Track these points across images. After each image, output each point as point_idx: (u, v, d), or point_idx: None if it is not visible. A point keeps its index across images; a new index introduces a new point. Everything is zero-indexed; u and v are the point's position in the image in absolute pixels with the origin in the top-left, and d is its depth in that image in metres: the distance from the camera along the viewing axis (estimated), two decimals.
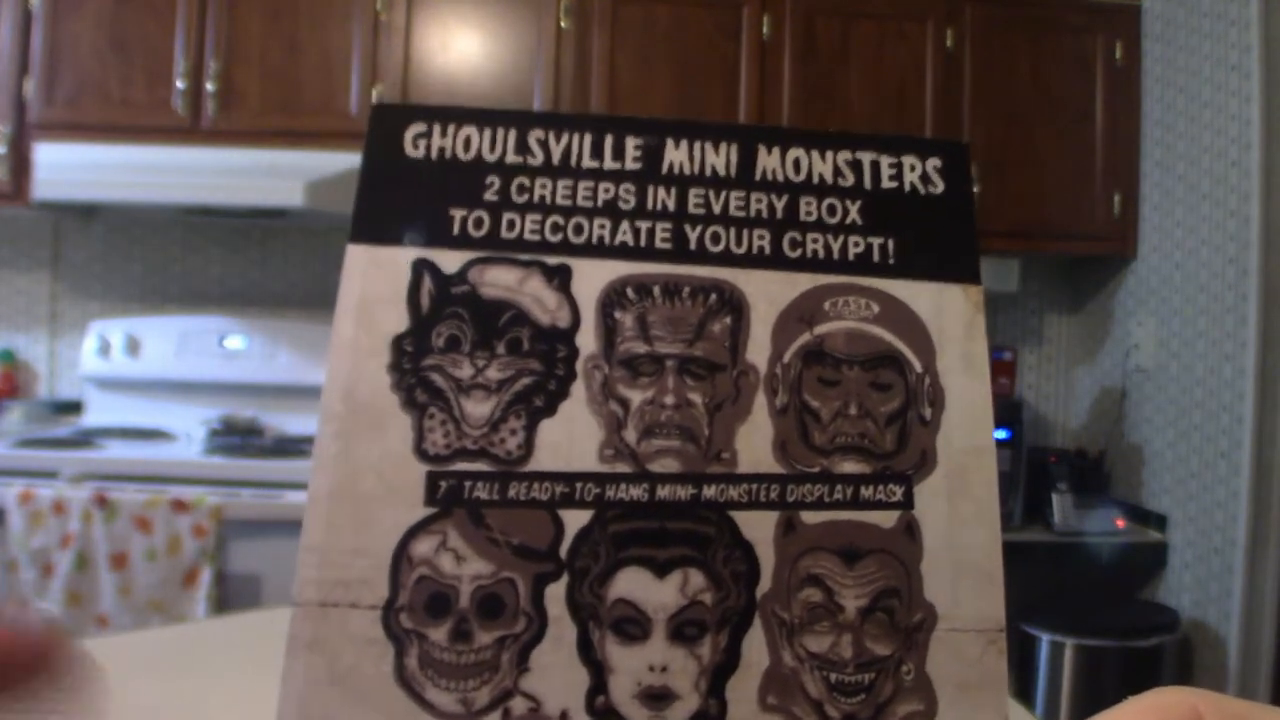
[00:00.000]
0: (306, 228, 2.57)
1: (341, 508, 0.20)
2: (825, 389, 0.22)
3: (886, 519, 0.21)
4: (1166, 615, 2.09)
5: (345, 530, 0.20)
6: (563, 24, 2.30)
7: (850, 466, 0.21)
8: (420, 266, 0.21)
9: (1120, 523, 2.25)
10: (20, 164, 2.22)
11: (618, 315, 0.22)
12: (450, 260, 0.22)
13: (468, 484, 0.20)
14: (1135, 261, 2.40)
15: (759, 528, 0.20)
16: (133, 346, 2.42)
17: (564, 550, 0.20)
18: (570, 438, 0.21)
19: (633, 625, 0.20)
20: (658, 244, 0.22)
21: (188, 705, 0.72)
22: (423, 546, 0.20)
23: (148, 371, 2.41)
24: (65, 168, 2.18)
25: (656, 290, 0.22)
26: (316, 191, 2.14)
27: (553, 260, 0.22)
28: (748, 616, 0.20)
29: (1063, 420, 2.72)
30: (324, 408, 0.20)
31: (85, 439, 2.20)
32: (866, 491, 0.21)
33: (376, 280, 0.21)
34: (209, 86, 2.26)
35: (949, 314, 0.22)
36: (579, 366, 0.21)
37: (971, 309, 0.22)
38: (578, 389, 0.21)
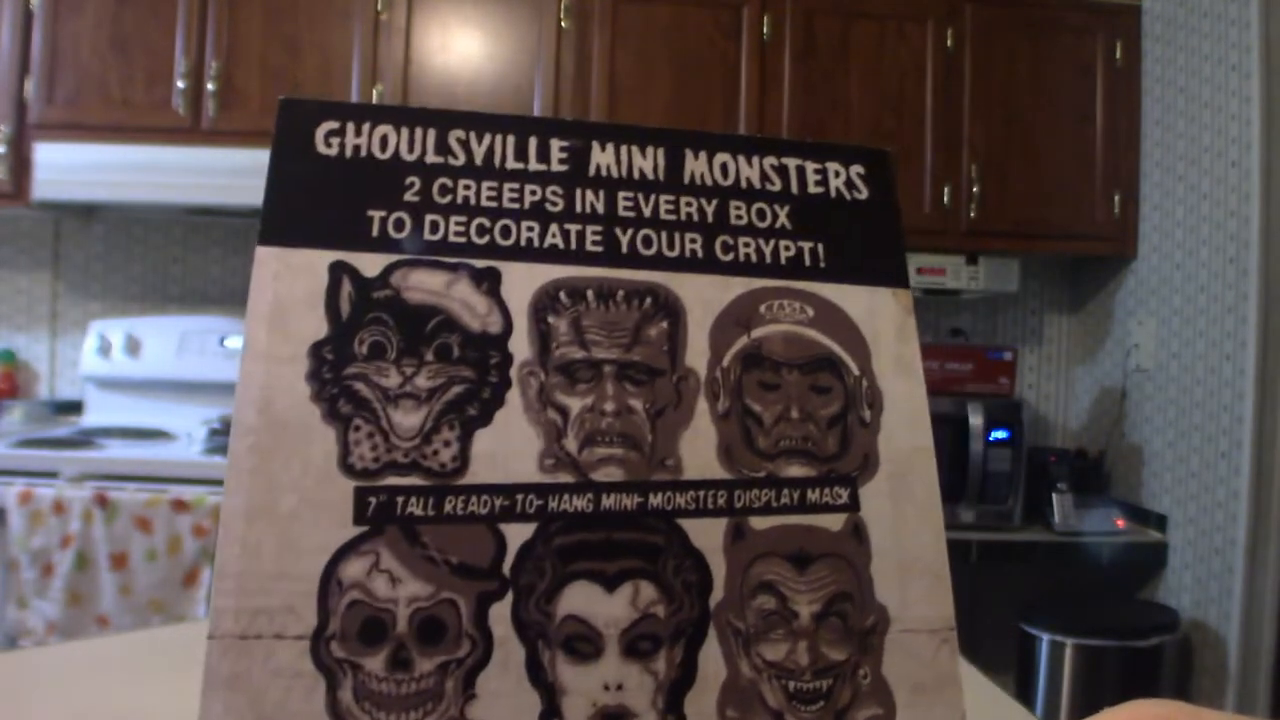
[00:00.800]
0: None
1: (260, 529, 0.18)
2: (766, 393, 0.21)
3: (834, 522, 0.20)
4: (1166, 615, 2.09)
5: (265, 554, 0.18)
6: (563, 24, 2.30)
7: (796, 470, 0.21)
8: (338, 269, 0.20)
9: (1120, 523, 2.25)
10: (20, 164, 2.23)
11: (551, 320, 0.21)
12: (370, 263, 0.20)
13: (400, 499, 0.19)
14: (1135, 261, 2.40)
15: (708, 535, 0.20)
16: (133, 346, 2.42)
17: (507, 567, 0.19)
18: (508, 448, 0.20)
19: (584, 643, 0.19)
20: (588, 247, 0.21)
21: (188, 705, 0.72)
22: (353, 569, 0.18)
23: (148, 371, 2.41)
24: (65, 168, 2.18)
25: (590, 294, 0.21)
26: None
27: (480, 263, 0.21)
28: (702, 628, 0.19)
29: (1063, 420, 2.72)
30: (236, 421, 0.19)
31: (85, 439, 2.20)
32: (813, 495, 0.21)
33: (290, 284, 0.20)
34: (209, 86, 2.26)
35: (881, 317, 0.22)
36: (513, 374, 0.20)
37: (902, 312, 0.22)
38: (513, 397, 0.20)
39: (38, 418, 2.44)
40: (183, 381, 2.41)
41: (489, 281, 0.21)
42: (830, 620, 0.20)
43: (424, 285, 0.20)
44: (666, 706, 0.19)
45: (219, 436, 2.24)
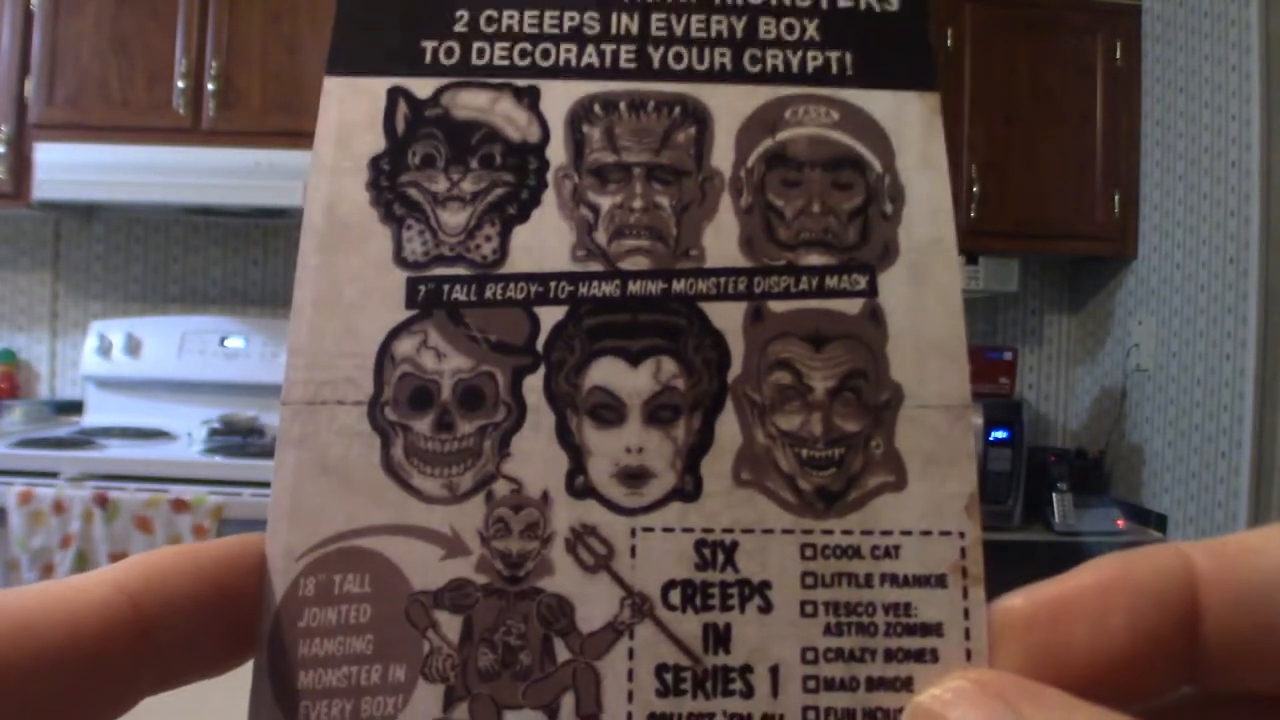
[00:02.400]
0: None
1: (325, 315, 0.21)
2: (788, 189, 0.22)
3: (852, 306, 0.21)
4: None
5: (330, 335, 0.21)
6: None
7: (815, 259, 0.22)
8: (395, 93, 0.22)
9: (1120, 523, 2.25)
10: (20, 164, 2.23)
11: (585, 129, 0.22)
12: (423, 87, 0.22)
13: (446, 287, 0.21)
14: (1135, 261, 2.40)
15: (728, 318, 0.21)
16: (133, 346, 2.42)
17: (540, 344, 0.21)
18: (543, 241, 0.21)
19: (608, 411, 0.21)
20: (622, 64, 0.23)
21: (187, 705, 0.72)
22: (404, 346, 0.21)
23: (148, 371, 2.41)
24: (65, 168, 2.18)
25: (622, 105, 0.23)
26: None
27: (521, 82, 0.23)
28: (720, 400, 0.21)
29: (1063, 420, 2.72)
30: (306, 225, 0.21)
31: (86, 439, 2.20)
32: (831, 281, 0.22)
33: (353, 108, 0.22)
34: (209, 86, 2.26)
35: (906, 118, 0.23)
36: (549, 177, 0.22)
37: (928, 111, 0.23)
38: (549, 197, 0.22)
39: (38, 418, 2.44)
40: (183, 381, 2.42)
41: (529, 97, 0.22)
42: (844, 395, 0.21)
43: (471, 103, 0.22)
44: (684, 468, 0.20)
45: (219, 436, 2.24)
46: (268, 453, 2.12)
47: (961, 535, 0.20)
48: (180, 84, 2.25)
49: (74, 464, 1.98)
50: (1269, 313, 1.94)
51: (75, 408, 2.51)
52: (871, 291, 0.21)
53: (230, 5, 2.27)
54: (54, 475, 1.96)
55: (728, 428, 0.20)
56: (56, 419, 2.49)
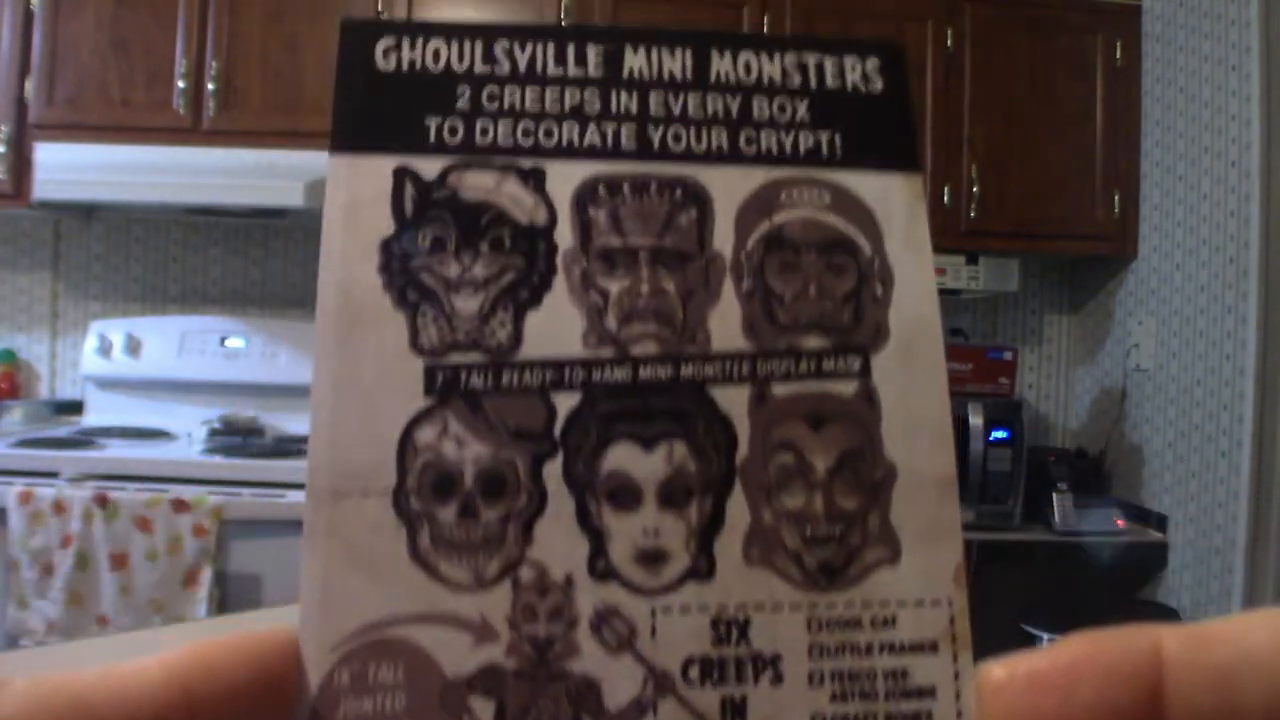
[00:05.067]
0: (306, 228, 2.57)
1: (346, 401, 0.21)
2: (786, 273, 0.23)
3: (847, 388, 0.22)
4: (1166, 615, 2.09)
5: (351, 422, 0.21)
6: (563, 24, 2.30)
7: (813, 342, 0.23)
8: (401, 174, 0.22)
9: (1120, 523, 2.25)
10: (20, 164, 2.23)
11: (591, 212, 0.23)
12: (429, 166, 0.23)
13: (463, 374, 0.21)
14: (1135, 261, 2.40)
15: (734, 401, 0.22)
16: (133, 346, 2.42)
17: (558, 430, 0.21)
18: (556, 327, 0.22)
19: (625, 494, 0.21)
20: (624, 145, 0.23)
21: None
22: (425, 434, 0.21)
23: (148, 371, 2.41)
24: (65, 168, 2.18)
25: (626, 187, 0.23)
26: (316, 191, 2.14)
27: (527, 163, 0.23)
28: (729, 481, 0.22)
29: (1063, 420, 2.72)
30: (321, 308, 0.21)
31: (86, 439, 2.20)
32: (828, 364, 0.22)
33: (360, 188, 0.22)
34: (209, 86, 2.26)
35: (893, 200, 0.24)
36: (559, 261, 0.22)
37: (913, 195, 0.24)
38: (559, 282, 0.22)
39: (38, 418, 2.44)
40: (183, 381, 2.42)
41: (535, 179, 0.23)
42: (843, 473, 0.22)
43: (477, 185, 0.22)
44: (699, 549, 0.21)
45: (219, 436, 2.24)
46: (268, 453, 2.13)
47: (950, 603, 0.21)
48: (180, 84, 2.25)
49: (74, 464, 1.98)
50: (1269, 313, 1.94)
51: (75, 408, 2.51)
52: (865, 373, 0.22)
53: (230, 5, 2.27)
54: (54, 475, 1.96)
55: (737, 508, 0.21)
56: (56, 419, 2.49)
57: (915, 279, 0.23)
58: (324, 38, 2.28)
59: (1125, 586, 2.30)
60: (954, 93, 2.35)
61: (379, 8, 2.28)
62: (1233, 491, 1.99)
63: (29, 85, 2.25)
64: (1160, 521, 2.24)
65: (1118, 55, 2.38)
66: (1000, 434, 2.18)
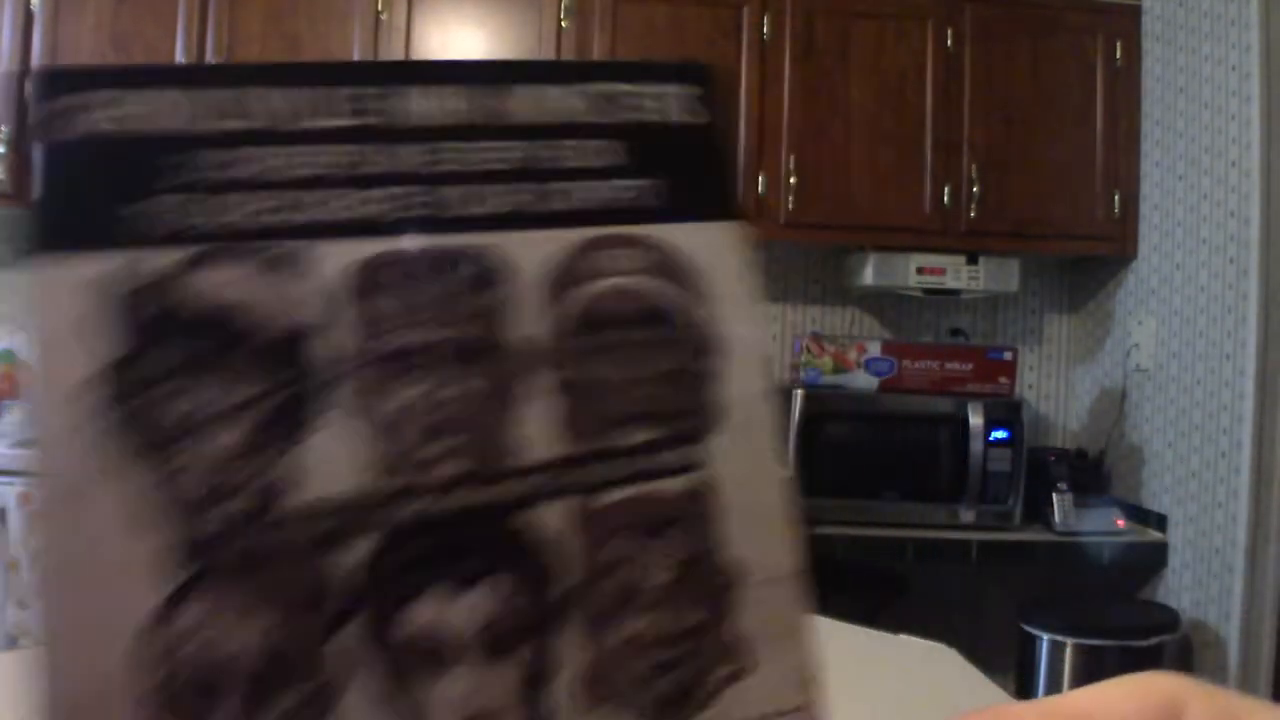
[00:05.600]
0: None
1: (73, 596, 0.16)
2: (605, 355, 0.20)
3: (683, 484, 0.20)
4: (1166, 615, 2.09)
5: (83, 623, 0.16)
6: (563, 23, 2.30)
7: (641, 435, 0.19)
8: (113, 281, 0.17)
9: (1120, 523, 2.25)
10: (20, 164, 2.23)
11: (370, 303, 0.18)
12: (153, 263, 0.17)
13: (224, 535, 0.17)
14: (1135, 261, 2.40)
15: (557, 521, 0.19)
16: None
17: (350, 588, 0.17)
18: (335, 457, 0.17)
19: (441, 652, 0.17)
20: (402, 214, 0.19)
21: None
22: (180, 623, 0.16)
23: None
24: None
25: (410, 268, 0.18)
26: None
27: (284, 245, 0.18)
28: (559, 616, 0.18)
29: (1063, 420, 2.72)
30: (36, 473, 0.17)
31: None
32: (660, 458, 0.20)
33: (59, 308, 0.17)
34: None
35: (720, 255, 0.20)
36: (335, 371, 0.18)
37: (739, 247, 0.21)
38: (338, 398, 0.17)
39: None
40: None
41: (294, 267, 0.17)
42: (685, 585, 0.19)
43: (223, 280, 0.17)
44: (531, 700, 0.18)
45: None
46: None
47: (799, 710, 0.20)
48: None
49: None
50: (1269, 313, 1.94)
51: None
52: (700, 464, 0.20)
53: (230, 5, 2.27)
54: None
55: (570, 645, 0.18)
56: None
57: (746, 348, 0.20)
58: (324, 38, 2.28)
59: (1125, 586, 2.30)
60: (954, 93, 2.34)
61: (379, 8, 2.28)
62: (1233, 491, 1.99)
63: (29, 85, 2.25)
64: (1160, 521, 2.24)
65: (1118, 55, 2.38)
66: (1000, 434, 2.18)
